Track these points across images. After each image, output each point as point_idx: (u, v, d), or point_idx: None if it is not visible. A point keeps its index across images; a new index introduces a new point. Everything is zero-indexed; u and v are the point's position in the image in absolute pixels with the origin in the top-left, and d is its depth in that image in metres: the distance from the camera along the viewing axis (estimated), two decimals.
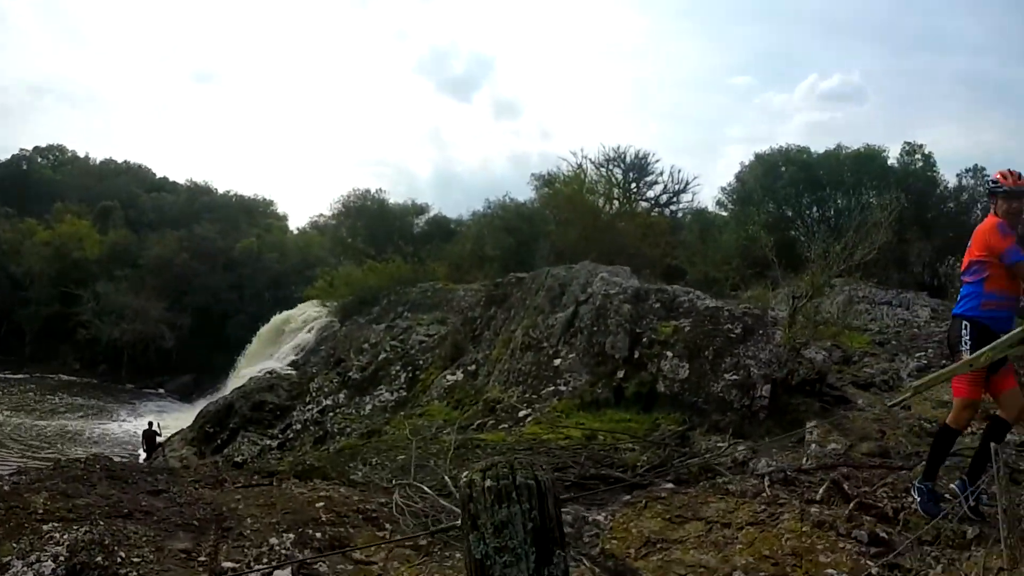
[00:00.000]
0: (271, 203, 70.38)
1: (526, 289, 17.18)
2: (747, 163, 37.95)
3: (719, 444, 9.11)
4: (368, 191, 52.32)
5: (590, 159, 40.43)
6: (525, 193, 44.30)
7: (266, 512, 6.09)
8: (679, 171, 42.56)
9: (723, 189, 39.16)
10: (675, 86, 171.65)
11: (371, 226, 49.19)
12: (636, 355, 11.80)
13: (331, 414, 19.29)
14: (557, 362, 12.99)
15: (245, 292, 51.70)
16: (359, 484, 7.74)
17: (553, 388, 12.38)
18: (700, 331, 11.44)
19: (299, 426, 20.01)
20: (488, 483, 2.23)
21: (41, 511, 5.58)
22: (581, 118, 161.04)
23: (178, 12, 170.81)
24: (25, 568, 4.61)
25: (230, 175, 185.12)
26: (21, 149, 75.22)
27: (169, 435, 24.94)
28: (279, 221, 66.71)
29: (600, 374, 12.04)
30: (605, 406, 11.23)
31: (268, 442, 19.86)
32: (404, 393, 18.24)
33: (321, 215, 59.18)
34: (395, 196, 64.55)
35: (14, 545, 4.88)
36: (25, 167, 72.63)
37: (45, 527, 5.21)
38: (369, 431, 14.85)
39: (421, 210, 52.33)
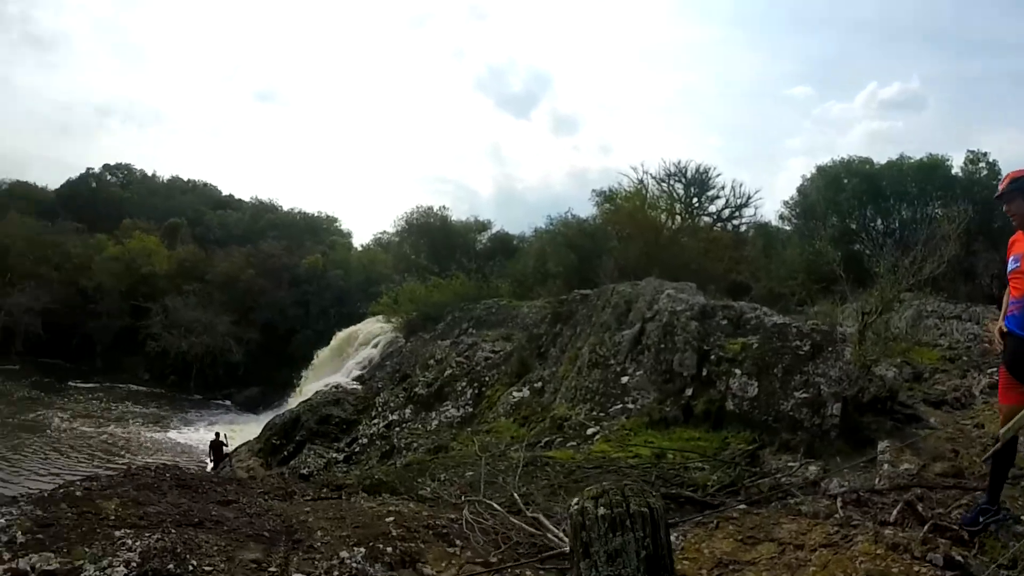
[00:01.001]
0: (335, 220, 71.39)
1: (591, 306, 17.12)
2: (809, 176, 37.38)
3: (790, 464, 9.00)
4: (431, 208, 52.90)
5: (651, 174, 40.06)
6: (587, 209, 44.03)
7: (336, 525, 6.15)
8: (740, 185, 41.90)
9: (786, 203, 38.58)
10: (732, 98, 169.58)
11: (434, 243, 49.65)
12: (704, 373, 11.76)
13: (397, 429, 19.42)
14: (625, 379, 12.92)
15: (311, 308, 52.37)
16: (428, 500, 7.78)
17: (621, 406, 12.31)
18: (768, 348, 11.29)
19: (365, 440, 20.17)
20: (601, 511, 2.26)
21: (113, 517, 5.70)
22: (640, 132, 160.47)
23: (238, 34, 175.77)
24: (97, 572, 4.71)
25: (295, 192, 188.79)
26: (88, 168, 77.45)
27: (236, 446, 25.37)
28: (343, 238, 67.46)
29: (668, 392, 11.97)
30: (674, 424, 11.17)
31: (334, 455, 20.04)
32: (470, 409, 18.32)
33: (385, 232, 60.45)
34: (457, 213, 65.00)
35: (86, 550, 4.99)
36: (94, 184, 75.02)
37: (117, 533, 5.31)
38: (436, 447, 14.89)
39: (484, 227, 52.71)
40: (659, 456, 9.56)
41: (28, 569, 4.67)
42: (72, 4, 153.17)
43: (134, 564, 4.80)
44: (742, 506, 7.19)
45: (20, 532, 5.15)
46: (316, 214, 70.99)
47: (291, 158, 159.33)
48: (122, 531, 5.41)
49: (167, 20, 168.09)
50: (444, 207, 55.10)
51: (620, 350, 13.74)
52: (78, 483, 7.06)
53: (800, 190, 37.34)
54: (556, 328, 18.33)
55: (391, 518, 6.36)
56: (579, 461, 9.58)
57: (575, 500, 2.42)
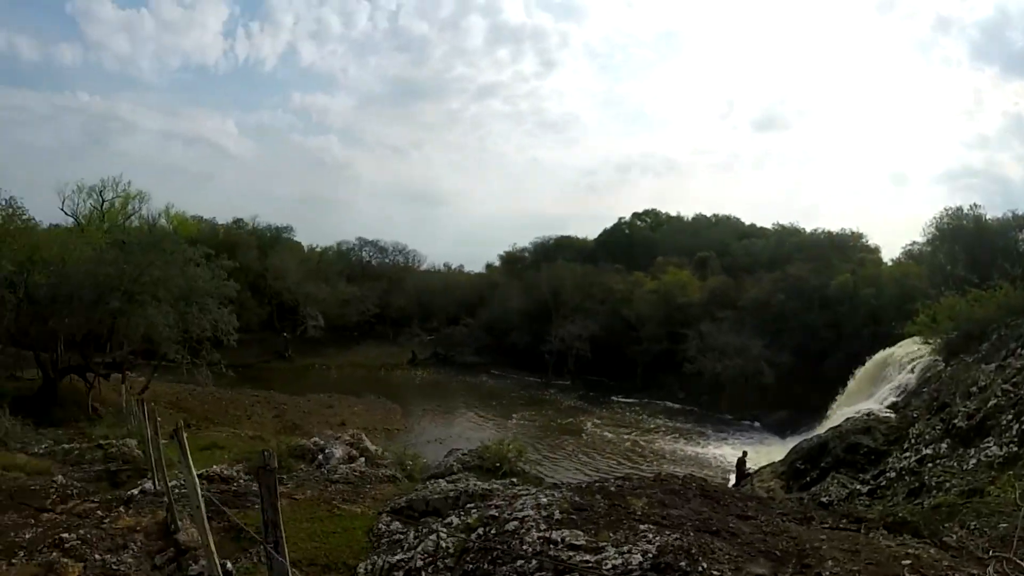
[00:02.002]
0: (861, 236, 67.61)
1: None
2: None
3: None
4: (960, 209, 48.09)
5: None
6: None
7: (849, 558, 6.01)
8: None
9: None
10: None
11: (970, 249, 44.97)
12: None
13: (930, 465, 17.71)
14: None
15: (842, 330, 50.53)
16: (951, 548, 7.09)
17: None
18: None
19: (893, 474, 18.81)
20: None
21: (639, 513, 6.24)
22: None
23: (724, 72, 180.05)
24: (616, 555, 5.24)
25: (815, 213, 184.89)
26: (620, 217, 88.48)
27: (759, 466, 25.52)
28: (871, 254, 63.73)
29: None
30: None
31: (858, 487, 19.06)
32: (1015, 448, 15.90)
33: (914, 243, 56.75)
34: (991, 208, 57.54)
35: (611, 535, 5.56)
36: (627, 231, 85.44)
37: (641, 527, 5.81)
38: (970, 489, 13.35)
39: None
40: None
41: (559, 540, 5.43)
42: (572, 91, 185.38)
43: (650, 555, 5.23)
44: None
45: (558, 511, 6.02)
46: (840, 232, 68.26)
47: (804, 180, 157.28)
48: (646, 526, 5.92)
49: (653, 82, 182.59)
50: (975, 205, 49.03)
51: None
52: (612, 480, 7.88)
53: None
54: None
55: (908, 561, 6.04)
56: None
57: None
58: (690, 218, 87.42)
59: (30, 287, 29.17)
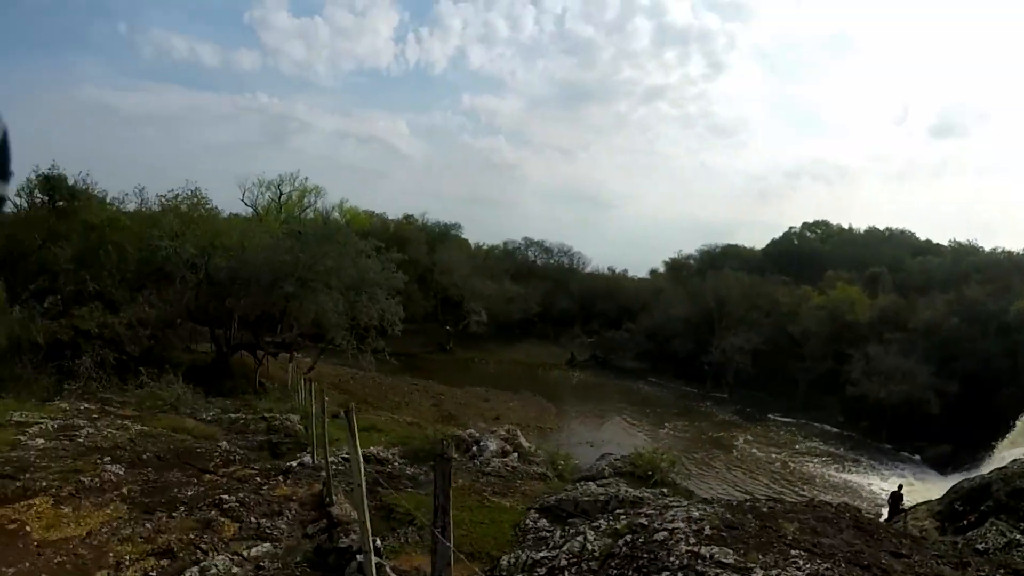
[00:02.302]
0: None
1: None
2: None
3: None
4: None
5: None
6: None
7: None
8: None
9: None
10: None
11: None
12: None
13: None
14: None
15: (1019, 360, 46.89)
16: None
17: None
18: None
19: None
20: None
21: (790, 538, 6.12)
22: None
23: (901, 73, 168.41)
24: None
25: (995, 230, 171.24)
26: (790, 227, 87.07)
27: (914, 502, 24.16)
28: None
29: None
30: None
31: (1018, 536, 17.56)
32: None
33: None
34: None
35: (760, 556, 5.48)
36: (796, 241, 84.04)
37: (792, 552, 5.71)
38: None
39: None
40: None
41: (707, 556, 5.41)
42: (741, 94, 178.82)
43: None
44: None
45: (709, 526, 5.99)
46: (1022, 252, 64.56)
47: (984, 192, 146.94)
48: (796, 551, 5.81)
49: (824, 84, 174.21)
50: None
51: None
52: (763, 500, 7.73)
53: None
54: None
55: None
56: None
57: None
58: (862, 231, 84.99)
59: (210, 269, 31.31)
